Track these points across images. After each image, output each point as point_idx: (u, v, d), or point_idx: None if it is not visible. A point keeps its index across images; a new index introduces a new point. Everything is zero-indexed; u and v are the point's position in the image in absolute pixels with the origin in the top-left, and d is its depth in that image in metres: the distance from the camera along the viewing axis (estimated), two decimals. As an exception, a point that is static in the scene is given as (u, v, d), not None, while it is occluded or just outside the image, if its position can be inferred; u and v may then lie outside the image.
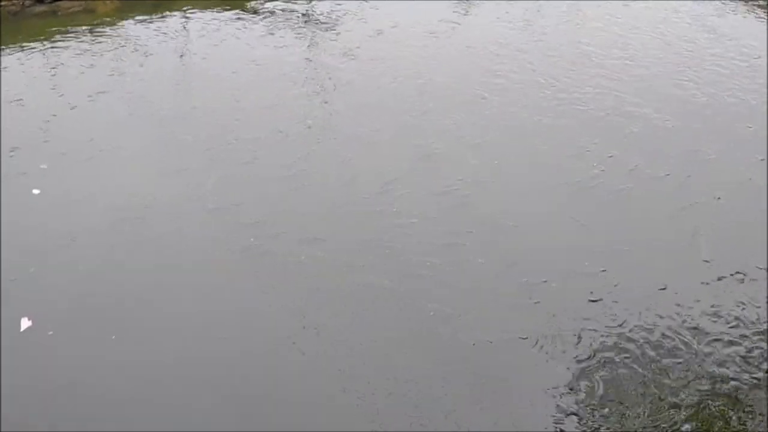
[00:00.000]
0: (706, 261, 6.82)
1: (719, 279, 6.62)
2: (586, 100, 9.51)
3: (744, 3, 12.89)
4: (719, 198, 7.70)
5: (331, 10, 12.62)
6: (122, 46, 11.12)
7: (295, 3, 12.98)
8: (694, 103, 9.52)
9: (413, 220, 7.25)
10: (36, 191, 7.71)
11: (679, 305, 6.32)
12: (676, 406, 5.43)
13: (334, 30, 11.86)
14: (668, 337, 6.01)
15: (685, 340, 5.98)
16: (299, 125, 8.93)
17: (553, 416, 5.41)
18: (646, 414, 5.38)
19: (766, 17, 12.34)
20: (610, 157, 8.31)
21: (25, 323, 6.09)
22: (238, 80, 10.11)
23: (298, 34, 11.69)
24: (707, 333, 6.05)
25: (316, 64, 10.64)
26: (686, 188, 7.85)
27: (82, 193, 7.69)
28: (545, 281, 6.53)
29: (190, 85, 10.06)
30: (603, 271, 6.67)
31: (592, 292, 6.43)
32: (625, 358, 5.82)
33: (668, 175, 8.04)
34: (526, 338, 5.98)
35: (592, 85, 9.91)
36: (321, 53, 10.96)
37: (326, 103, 9.54)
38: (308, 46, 11.26)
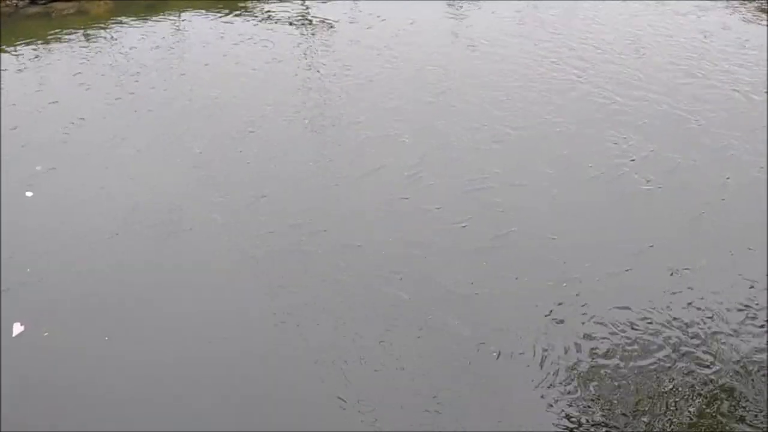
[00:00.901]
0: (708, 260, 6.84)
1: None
2: (603, 94, 9.57)
3: (743, 2, 13.07)
4: (728, 178, 7.84)
5: (335, 11, 12.66)
6: (128, 48, 11.12)
7: (290, 4, 13.00)
8: (706, 96, 9.61)
9: (432, 222, 7.24)
10: (29, 194, 7.72)
11: (696, 306, 6.30)
12: (681, 412, 5.42)
13: (343, 29, 11.89)
14: (677, 341, 6.00)
15: (696, 343, 5.96)
16: (317, 123, 8.98)
17: (556, 417, 5.41)
18: (649, 418, 5.38)
19: (766, 17, 12.50)
20: (630, 145, 8.38)
21: (18, 328, 6.05)
22: (254, 79, 10.13)
23: (306, 33, 11.72)
24: (720, 335, 6.03)
25: (324, 64, 10.65)
26: (703, 181, 7.89)
27: (93, 191, 7.79)
28: (553, 283, 6.51)
29: (203, 84, 10.05)
30: (628, 270, 6.67)
31: (606, 293, 6.41)
32: (631, 361, 5.81)
33: (679, 166, 8.11)
34: (530, 339, 5.98)
35: (607, 78, 10.00)
36: (326, 53, 10.99)
37: (343, 101, 9.57)
38: (315, 45, 11.29)
